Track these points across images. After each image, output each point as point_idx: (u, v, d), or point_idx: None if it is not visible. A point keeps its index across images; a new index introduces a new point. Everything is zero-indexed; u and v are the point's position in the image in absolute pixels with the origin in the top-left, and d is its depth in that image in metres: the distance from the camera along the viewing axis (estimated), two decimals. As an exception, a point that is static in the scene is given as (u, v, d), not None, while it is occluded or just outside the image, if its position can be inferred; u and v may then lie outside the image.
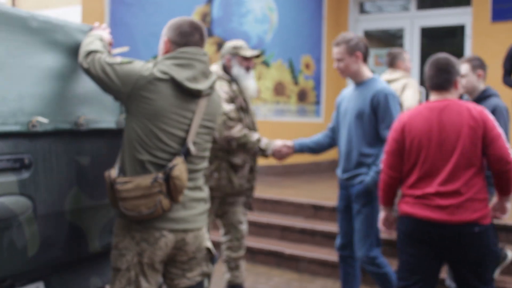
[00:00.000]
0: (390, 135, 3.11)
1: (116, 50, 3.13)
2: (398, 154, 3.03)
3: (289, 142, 3.99)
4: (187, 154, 2.53)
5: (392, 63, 5.22)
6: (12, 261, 2.46)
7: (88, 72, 2.58)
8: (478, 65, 3.97)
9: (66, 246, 2.71)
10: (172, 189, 2.45)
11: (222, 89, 3.71)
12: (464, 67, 3.92)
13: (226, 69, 3.90)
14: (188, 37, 2.60)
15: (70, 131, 2.72)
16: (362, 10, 9.58)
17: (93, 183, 2.82)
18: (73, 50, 2.82)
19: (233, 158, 3.77)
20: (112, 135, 2.96)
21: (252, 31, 8.05)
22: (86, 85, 2.84)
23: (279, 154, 3.93)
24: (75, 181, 2.73)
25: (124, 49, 3.09)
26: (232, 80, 3.86)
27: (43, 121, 2.55)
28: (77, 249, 2.78)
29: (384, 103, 3.58)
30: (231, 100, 3.75)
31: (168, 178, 2.43)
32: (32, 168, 2.53)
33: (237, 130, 3.69)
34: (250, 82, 3.87)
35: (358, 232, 3.72)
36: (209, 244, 2.72)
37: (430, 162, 2.92)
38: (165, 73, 2.48)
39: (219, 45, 7.60)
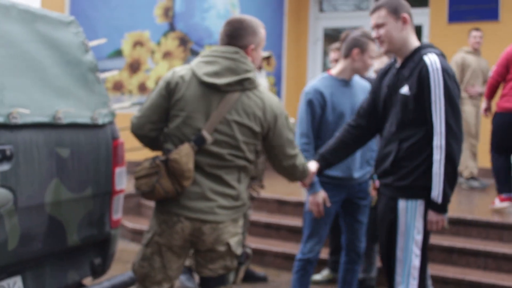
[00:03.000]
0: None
1: (94, 43, 3.11)
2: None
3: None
4: (201, 143, 2.60)
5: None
6: (-8, 255, 2.40)
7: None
8: None
9: (45, 240, 2.66)
10: (172, 172, 2.57)
11: None
12: None
13: None
14: (220, 35, 2.77)
15: (50, 124, 2.67)
16: (321, 8, 9.71)
17: (73, 175, 2.78)
18: (53, 41, 2.77)
19: None
20: (89, 129, 2.93)
21: (214, 27, 8.04)
22: (64, 78, 2.80)
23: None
24: (55, 173, 2.69)
25: (102, 41, 3.07)
26: None
27: (24, 113, 2.50)
28: (55, 242, 2.73)
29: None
30: None
31: (167, 161, 2.58)
32: (13, 159, 2.47)
33: None
34: (262, 81, 3.85)
35: (364, 225, 3.75)
36: (232, 241, 2.69)
37: None
38: (190, 69, 2.69)
39: (182, 40, 7.57)
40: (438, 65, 2.72)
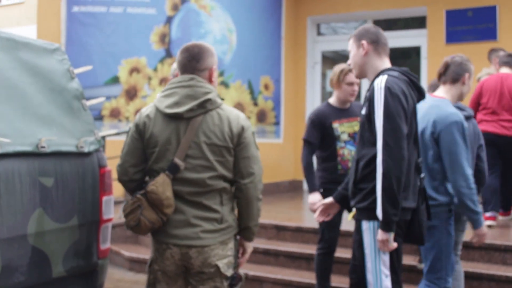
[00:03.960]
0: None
1: (79, 70, 3.07)
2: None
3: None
4: (175, 171, 2.65)
5: None
6: (-29, 288, 2.33)
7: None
8: None
9: (29, 271, 2.60)
10: (152, 203, 2.64)
11: None
12: None
13: None
14: (180, 63, 2.79)
15: (32, 153, 2.62)
16: (318, 32, 9.73)
17: (57, 205, 2.73)
18: (36, 68, 2.74)
19: None
20: (75, 157, 2.88)
21: (211, 52, 8.04)
22: (47, 106, 2.76)
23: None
24: (39, 203, 2.64)
25: (87, 68, 3.04)
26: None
27: (4, 142, 2.45)
28: (39, 274, 2.67)
29: None
30: None
31: (145, 193, 2.65)
32: (-6, 190, 2.42)
33: None
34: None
35: None
36: (220, 263, 2.71)
37: None
38: (154, 106, 2.76)
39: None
40: (383, 84, 2.82)
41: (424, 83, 8.42)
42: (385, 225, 2.76)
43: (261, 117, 8.86)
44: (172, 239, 2.69)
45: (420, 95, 3.01)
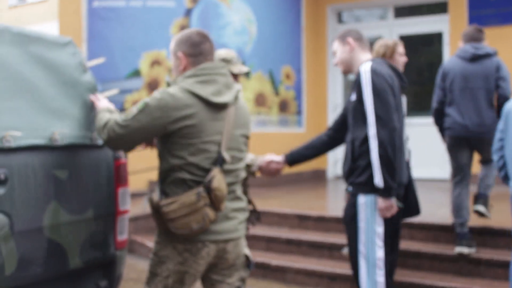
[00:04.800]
0: None
1: (93, 62, 3.09)
2: None
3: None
4: (222, 164, 2.53)
5: None
6: (-12, 280, 2.38)
7: (111, 141, 2.52)
8: None
9: (45, 264, 2.63)
10: (214, 201, 2.47)
11: None
12: None
13: None
14: (200, 46, 2.61)
15: (46, 146, 2.65)
16: (340, 21, 9.64)
17: (72, 197, 2.76)
18: (48, 62, 2.76)
19: None
20: (89, 150, 2.90)
21: (231, 43, 8.03)
22: (60, 99, 2.78)
23: (267, 170, 3.60)
24: (53, 196, 2.66)
25: (100, 60, 3.05)
26: None
27: (16, 135, 2.48)
28: (56, 266, 2.70)
29: None
30: None
31: (209, 191, 2.45)
32: (8, 183, 2.46)
33: None
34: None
35: None
36: (247, 251, 2.77)
37: None
38: (189, 91, 2.49)
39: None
40: (368, 68, 3.10)
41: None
42: (385, 191, 3.00)
43: (283, 106, 8.82)
44: (210, 235, 2.54)
45: (403, 82, 3.30)
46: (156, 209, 2.51)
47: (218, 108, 2.54)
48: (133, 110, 2.49)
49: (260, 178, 8.38)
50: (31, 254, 2.56)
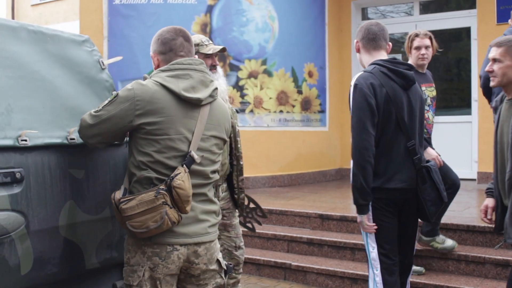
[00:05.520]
0: None
1: (110, 61, 3.05)
2: None
3: None
4: (191, 163, 2.44)
5: None
6: (4, 279, 2.35)
7: (81, 131, 2.50)
8: None
9: (61, 263, 2.60)
10: (176, 200, 2.37)
11: None
12: None
13: None
14: (170, 42, 2.56)
15: (62, 145, 2.62)
16: (364, 16, 9.50)
17: (88, 197, 2.72)
18: (65, 60, 2.73)
19: None
20: (106, 148, 2.86)
21: (253, 40, 7.96)
22: (76, 98, 2.75)
23: None
24: (70, 195, 2.63)
25: (117, 58, 3.01)
26: None
27: (32, 135, 2.45)
28: (72, 266, 2.67)
29: None
30: None
31: (171, 189, 2.36)
32: (24, 182, 2.43)
33: None
34: (221, 82, 3.56)
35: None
36: (219, 256, 2.65)
37: None
38: (161, 85, 2.42)
39: (220, 55, 7.50)
40: (353, 82, 3.19)
41: (474, 65, 8.10)
42: (357, 209, 3.19)
43: (305, 105, 8.72)
44: (180, 238, 2.45)
45: (407, 81, 3.21)
46: (116, 206, 2.42)
47: (191, 105, 2.46)
48: (105, 101, 2.46)
49: (282, 178, 8.30)
50: (47, 253, 2.53)
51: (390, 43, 3.37)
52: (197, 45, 3.47)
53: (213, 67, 3.54)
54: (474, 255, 4.71)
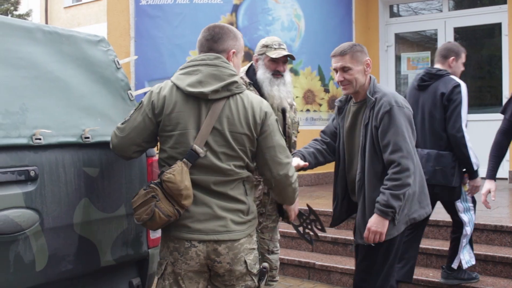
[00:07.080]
0: None
1: (125, 60, 3.09)
2: None
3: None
4: (194, 158, 2.43)
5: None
6: (19, 276, 2.40)
7: (115, 148, 2.60)
8: None
9: (76, 260, 2.64)
10: (168, 193, 2.40)
11: None
12: None
13: (253, 70, 3.50)
14: (198, 42, 2.62)
15: (76, 143, 2.65)
16: (392, 14, 9.37)
17: (103, 195, 2.75)
18: (79, 60, 2.77)
19: None
20: None
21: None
22: (91, 97, 2.78)
23: None
24: (84, 193, 2.67)
25: (133, 58, 3.04)
26: (252, 84, 3.46)
27: (46, 133, 2.49)
28: (87, 263, 2.70)
29: None
30: None
31: (161, 182, 2.41)
32: (38, 180, 2.48)
33: None
34: (274, 89, 3.40)
35: None
36: (249, 258, 2.55)
37: None
38: (172, 82, 2.52)
39: (247, 54, 7.51)
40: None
41: (505, 61, 7.91)
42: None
43: (332, 104, 8.65)
44: (195, 234, 2.45)
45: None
46: None
47: (200, 99, 2.45)
48: (131, 111, 2.56)
49: (308, 177, 8.26)
50: (61, 250, 2.57)
51: None
52: (265, 46, 3.45)
53: (277, 72, 3.43)
54: (501, 256, 4.60)
